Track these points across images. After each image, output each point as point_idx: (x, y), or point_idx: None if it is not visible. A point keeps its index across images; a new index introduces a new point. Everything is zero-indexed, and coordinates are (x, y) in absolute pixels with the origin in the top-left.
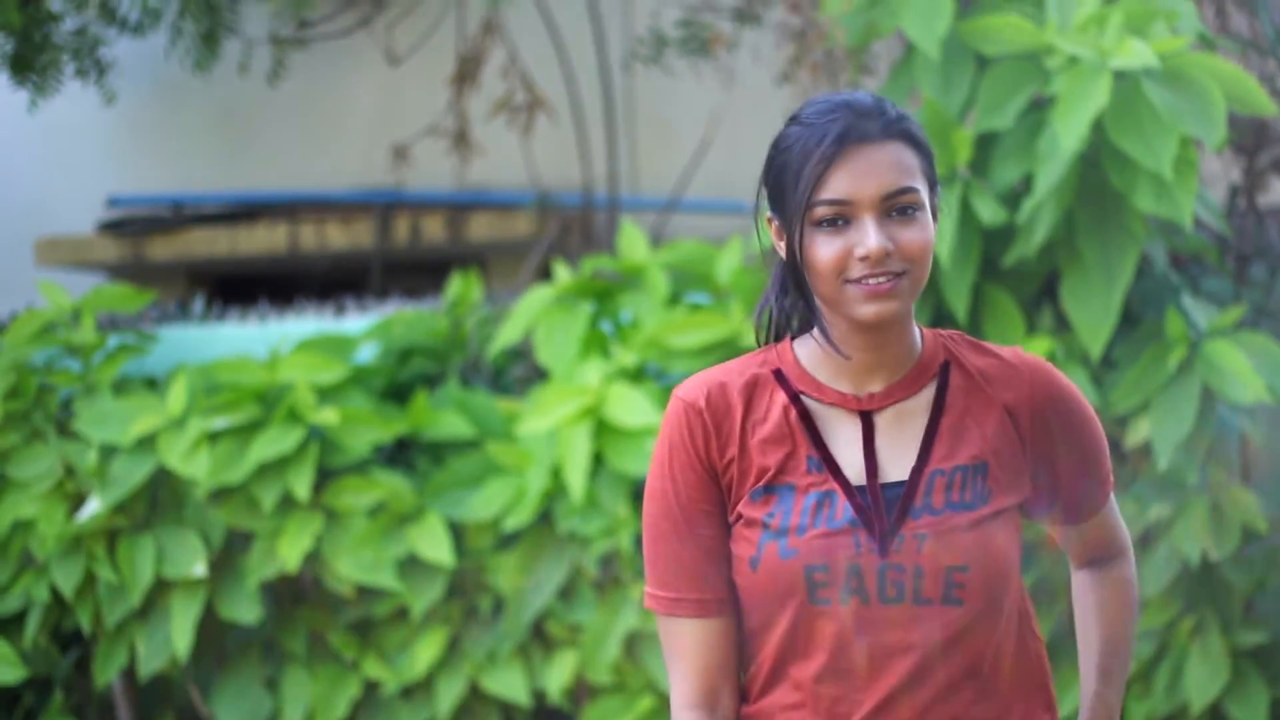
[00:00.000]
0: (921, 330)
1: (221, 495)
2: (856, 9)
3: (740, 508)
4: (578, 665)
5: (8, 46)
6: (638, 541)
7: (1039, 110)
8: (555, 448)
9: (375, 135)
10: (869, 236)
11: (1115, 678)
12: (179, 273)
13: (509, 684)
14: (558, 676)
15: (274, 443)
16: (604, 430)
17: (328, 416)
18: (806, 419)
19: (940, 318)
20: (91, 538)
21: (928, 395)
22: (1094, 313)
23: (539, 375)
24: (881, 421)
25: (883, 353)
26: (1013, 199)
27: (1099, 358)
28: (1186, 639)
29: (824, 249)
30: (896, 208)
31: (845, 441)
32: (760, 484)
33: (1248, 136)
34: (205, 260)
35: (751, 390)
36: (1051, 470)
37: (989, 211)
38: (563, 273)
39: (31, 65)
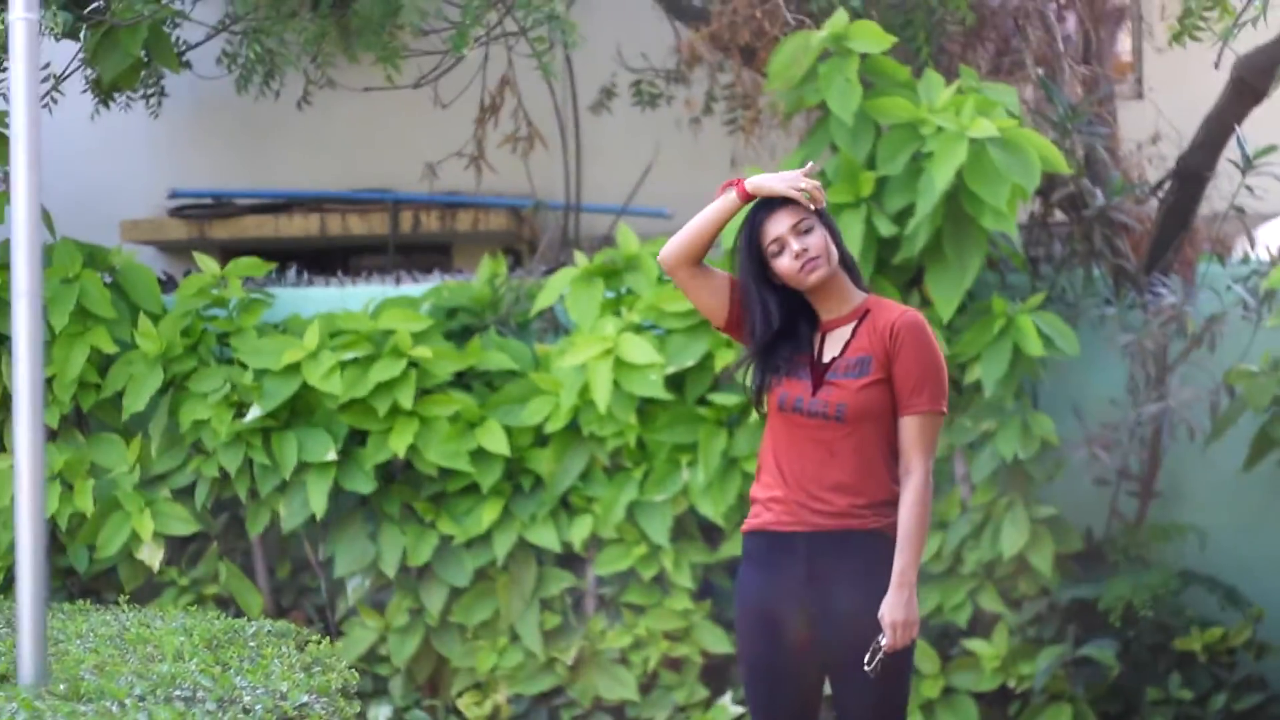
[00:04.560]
0: (867, 294)
1: (346, 406)
2: (792, 88)
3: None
4: (593, 525)
5: (89, 73)
6: (639, 442)
7: (917, 161)
8: (582, 376)
9: (377, 147)
10: (793, 247)
11: (905, 551)
12: (234, 251)
13: (545, 537)
14: (579, 533)
15: (386, 369)
16: (618, 365)
17: (422, 352)
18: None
19: None
20: (250, 433)
21: (852, 324)
22: (948, 293)
23: (554, 327)
24: (830, 335)
25: (828, 302)
26: (896, 219)
27: (947, 322)
28: (1002, 511)
29: (781, 262)
30: (802, 229)
31: (816, 341)
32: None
33: (1043, 181)
34: (254, 240)
35: None
36: (898, 368)
37: (884, 227)
38: (581, 258)
39: (112, 95)
